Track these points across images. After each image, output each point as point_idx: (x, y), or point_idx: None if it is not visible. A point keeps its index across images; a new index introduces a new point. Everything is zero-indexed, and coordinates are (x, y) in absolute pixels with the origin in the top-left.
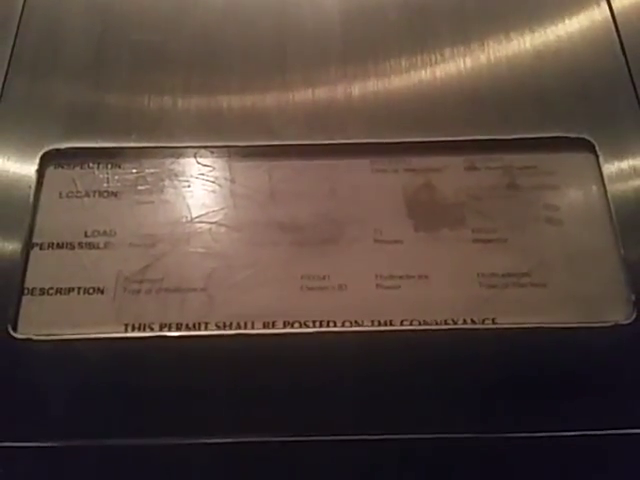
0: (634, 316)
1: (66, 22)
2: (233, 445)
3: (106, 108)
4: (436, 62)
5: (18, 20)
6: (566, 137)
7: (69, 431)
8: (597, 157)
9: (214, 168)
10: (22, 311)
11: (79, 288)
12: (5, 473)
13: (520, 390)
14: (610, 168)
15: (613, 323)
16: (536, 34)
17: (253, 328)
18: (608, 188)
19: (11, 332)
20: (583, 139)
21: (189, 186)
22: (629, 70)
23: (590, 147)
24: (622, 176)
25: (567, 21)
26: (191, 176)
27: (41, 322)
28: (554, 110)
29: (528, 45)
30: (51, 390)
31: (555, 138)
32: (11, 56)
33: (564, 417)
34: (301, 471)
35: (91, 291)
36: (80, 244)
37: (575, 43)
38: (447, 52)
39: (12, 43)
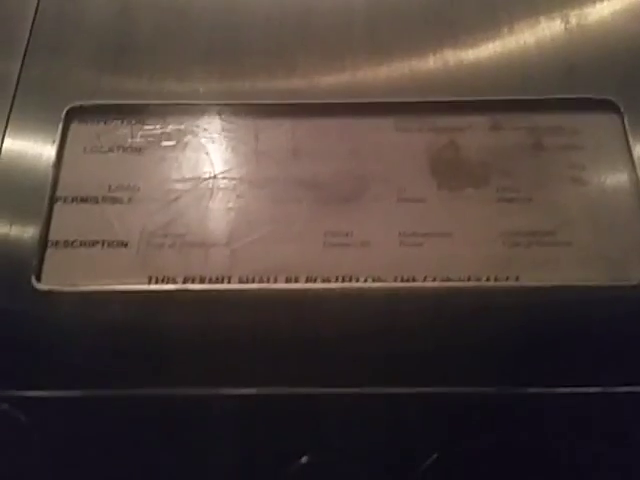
0: None
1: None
2: (256, 397)
3: (131, 67)
4: (462, 29)
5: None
6: (591, 98)
7: (93, 381)
8: (622, 118)
9: (237, 125)
10: (46, 263)
11: (103, 241)
12: (29, 422)
13: (543, 348)
14: (635, 129)
15: (637, 282)
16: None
17: (276, 282)
18: (633, 149)
19: (35, 283)
20: (608, 100)
21: (212, 143)
22: None
23: (615, 108)
24: None
25: None
26: (215, 133)
27: (65, 274)
28: (580, 71)
29: (556, 10)
30: (74, 341)
31: (580, 99)
32: (35, 14)
33: (588, 374)
34: (324, 423)
35: (115, 244)
36: (104, 198)
37: (603, 7)
38: (473, 20)
39: (36, 3)
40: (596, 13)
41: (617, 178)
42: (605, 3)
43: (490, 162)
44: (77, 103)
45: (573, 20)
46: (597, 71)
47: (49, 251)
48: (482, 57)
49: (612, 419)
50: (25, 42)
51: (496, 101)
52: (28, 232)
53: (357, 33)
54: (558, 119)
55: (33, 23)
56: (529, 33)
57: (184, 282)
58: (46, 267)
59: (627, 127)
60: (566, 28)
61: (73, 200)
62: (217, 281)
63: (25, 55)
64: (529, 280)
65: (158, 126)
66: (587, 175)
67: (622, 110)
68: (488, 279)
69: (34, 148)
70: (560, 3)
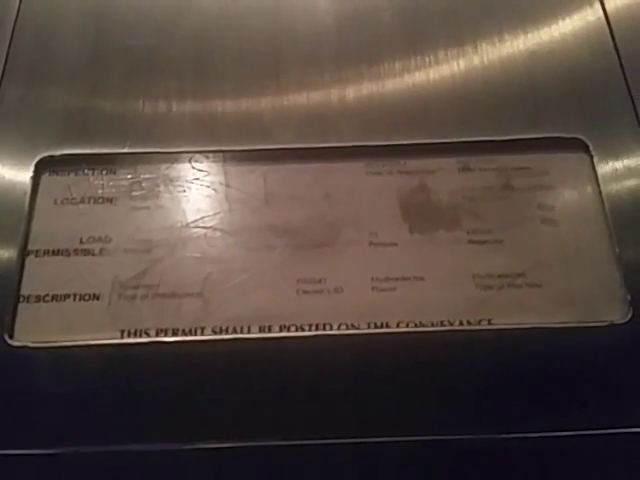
0: (630, 315)
1: (60, 28)
2: (230, 450)
3: (100, 114)
4: (429, 64)
5: (12, 25)
6: (560, 137)
7: (66, 438)
8: (591, 157)
9: (209, 173)
10: (18, 318)
11: (75, 295)
12: None
13: (516, 391)
14: (604, 168)
15: (609, 323)
16: (529, 35)
17: (249, 332)
18: (602, 188)
19: (7, 340)
20: (577, 139)
21: (184, 191)
22: (622, 70)
23: (584, 147)
24: (616, 176)
25: (560, 22)
26: (186, 181)
27: (37, 329)
28: (547, 110)
29: (521, 46)
30: (48, 397)
31: (549, 138)
32: (6, 62)
33: (560, 417)
34: (299, 475)
35: (87, 297)
36: (75, 250)
37: (568, 43)
38: (440, 54)
39: (6, 49)
40: (564, 48)
41: (586, 218)
42: (572, 37)
43: (460, 204)
44: (47, 154)
45: (540, 56)
46: (565, 107)
47: (21, 306)
48: (449, 95)
49: (591, 462)
50: None
51: (464, 142)
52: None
53: (326, 69)
54: (526, 159)
55: (4, 69)
56: (498, 68)
57: (157, 334)
58: (18, 322)
59: (596, 166)
60: (534, 65)
61: (45, 253)
62: (190, 333)
63: None
64: (502, 323)
65: (129, 176)
66: (557, 215)
67: (591, 148)
68: (461, 323)
69: (5, 200)
70: (527, 39)
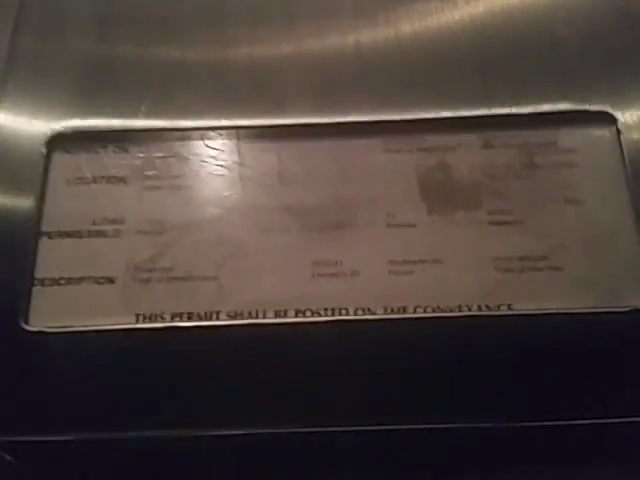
0: None
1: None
2: (245, 437)
3: (111, 88)
4: (450, 29)
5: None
6: (587, 110)
7: (82, 424)
8: (618, 132)
9: (222, 151)
10: (33, 303)
11: (89, 278)
12: (19, 465)
13: (535, 377)
14: (632, 144)
15: (630, 308)
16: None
17: (265, 317)
18: (629, 166)
19: (23, 325)
20: (605, 112)
21: (197, 170)
22: None
23: (612, 121)
24: None
25: None
26: (199, 160)
27: (52, 313)
28: (573, 81)
29: (547, 12)
30: (63, 383)
31: (575, 112)
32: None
33: (580, 405)
34: (315, 462)
35: (101, 281)
36: (89, 232)
37: (597, 8)
38: (460, 23)
39: (12, 23)
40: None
41: (611, 198)
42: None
43: (481, 183)
44: (57, 131)
45: (566, 24)
46: (591, 81)
47: (35, 290)
48: (470, 67)
49: (609, 450)
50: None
51: (487, 117)
52: (14, 270)
53: (342, 42)
54: (551, 135)
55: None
56: (517, 39)
57: (172, 319)
58: (33, 307)
59: (623, 142)
60: (560, 34)
61: (58, 235)
62: (205, 317)
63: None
64: (521, 308)
65: (141, 154)
66: (581, 195)
67: (619, 123)
68: (480, 307)
69: (15, 180)
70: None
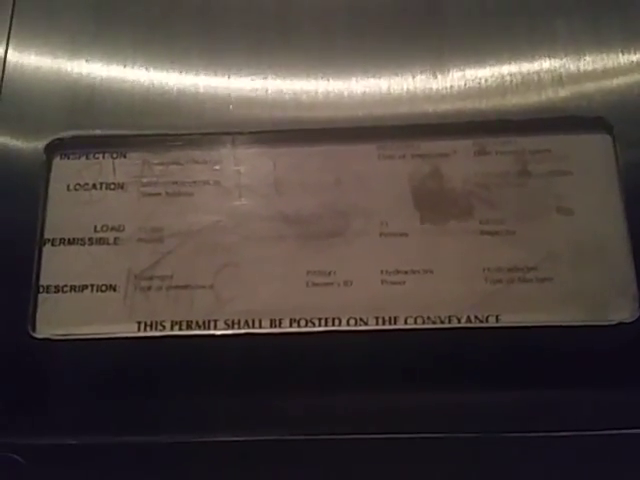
0: (638, 314)
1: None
2: (239, 444)
3: (107, 93)
4: (447, 47)
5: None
6: (582, 117)
7: (85, 429)
8: (614, 139)
9: (219, 157)
10: (39, 310)
11: (92, 285)
12: (29, 467)
13: (521, 389)
14: (627, 152)
15: (617, 322)
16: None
17: (261, 326)
18: (623, 174)
19: (30, 332)
20: (600, 118)
21: (195, 177)
22: None
23: (607, 128)
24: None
25: None
26: (197, 166)
27: (58, 321)
28: (567, 88)
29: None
30: (68, 389)
31: (570, 118)
32: (8, 39)
33: (565, 418)
34: (305, 470)
35: (104, 288)
36: (90, 239)
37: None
38: (457, 37)
39: (7, 28)
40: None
41: (604, 207)
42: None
43: (474, 192)
44: (56, 136)
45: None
46: (586, 87)
47: (41, 297)
48: (467, 77)
49: (596, 462)
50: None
51: (482, 123)
52: (19, 277)
53: (339, 52)
54: (546, 141)
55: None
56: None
57: (172, 327)
58: (39, 314)
59: (618, 149)
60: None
61: (61, 242)
62: (204, 326)
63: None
64: (509, 319)
65: (139, 160)
66: (573, 204)
67: (614, 129)
68: (469, 319)
69: (16, 186)
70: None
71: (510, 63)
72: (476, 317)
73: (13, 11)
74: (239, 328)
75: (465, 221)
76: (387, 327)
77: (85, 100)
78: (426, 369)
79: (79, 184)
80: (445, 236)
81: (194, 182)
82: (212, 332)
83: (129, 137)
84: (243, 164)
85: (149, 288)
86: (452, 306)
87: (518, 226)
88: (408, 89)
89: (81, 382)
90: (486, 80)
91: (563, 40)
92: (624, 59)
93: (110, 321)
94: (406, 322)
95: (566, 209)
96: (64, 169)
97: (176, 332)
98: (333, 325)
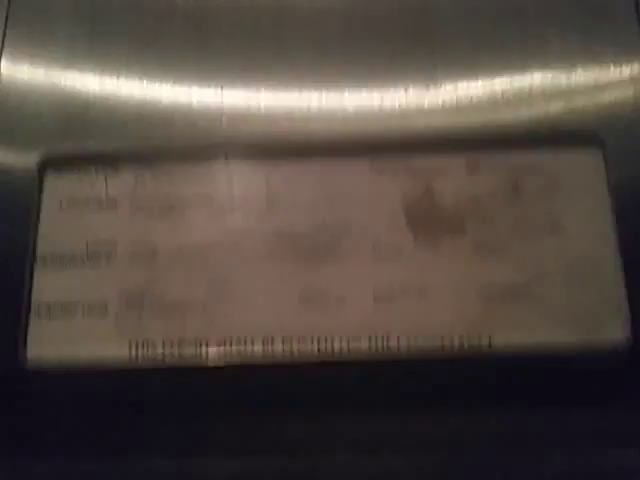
0: (628, 335)
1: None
2: (234, 465)
3: (99, 109)
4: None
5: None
6: (573, 131)
7: (75, 452)
8: (605, 154)
9: (210, 173)
10: (31, 332)
11: (84, 305)
12: None
13: (515, 413)
14: (618, 168)
15: (610, 343)
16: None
17: (253, 345)
18: (613, 191)
19: (22, 354)
20: (592, 133)
21: (187, 192)
22: None
23: (599, 142)
24: (630, 178)
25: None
26: (189, 182)
27: (50, 343)
28: (559, 104)
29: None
30: (61, 413)
31: (562, 132)
32: (2, 48)
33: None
34: None
35: (96, 308)
36: (82, 258)
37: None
38: (451, 52)
39: (2, 37)
40: None
41: (595, 225)
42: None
43: (466, 209)
44: (48, 153)
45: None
46: (578, 102)
47: (33, 319)
48: (459, 93)
49: None
50: None
51: (473, 138)
52: (10, 297)
53: (333, 66)
54: (537, 157)
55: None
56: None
57: (163, 346)
58: (31, 336)
59: (609, 165)
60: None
61: (53, 261)
62: (195, 345)
63: None
64: (501, 340)
65: (131, 175)
66: (565, 221)
67: (606, 144)
68: (460, 339)
69: (7, 204)
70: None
71: (502, 76)
72: (468, 337)
73: (6, 24)
74: (231, 346)
75: (458, 239)
76: (379, 346)
77: (78, 115)
78: (417, 392)
79: (71, 200)
80: (438, 254)
81: (186, 197)
82: (203, 352)
83: (121, 152)
84: (236, 179)
85: (141, 307)
86: (444, 326)
87: (509, 244)
88: (400, 103)
89: (75, 407)
90: (478, 94)
91: (555, 54)
92: (616, 73)
93: (102, 342)
94: (399, 341)
95: (558, 227)
96: (56, 186)
97: (167, 352)
98: (325, 343)
